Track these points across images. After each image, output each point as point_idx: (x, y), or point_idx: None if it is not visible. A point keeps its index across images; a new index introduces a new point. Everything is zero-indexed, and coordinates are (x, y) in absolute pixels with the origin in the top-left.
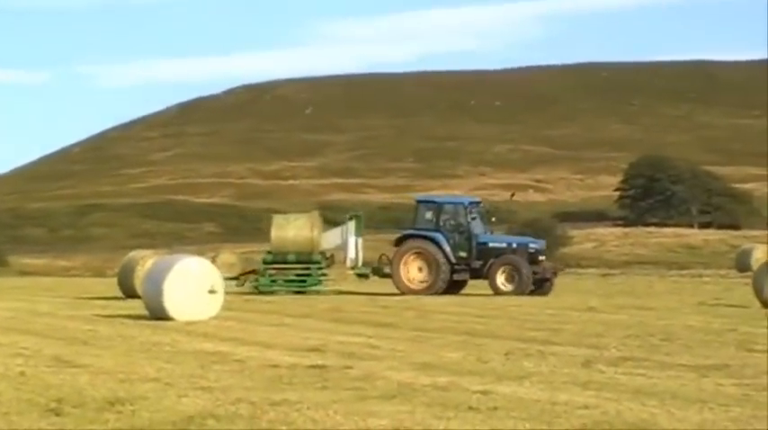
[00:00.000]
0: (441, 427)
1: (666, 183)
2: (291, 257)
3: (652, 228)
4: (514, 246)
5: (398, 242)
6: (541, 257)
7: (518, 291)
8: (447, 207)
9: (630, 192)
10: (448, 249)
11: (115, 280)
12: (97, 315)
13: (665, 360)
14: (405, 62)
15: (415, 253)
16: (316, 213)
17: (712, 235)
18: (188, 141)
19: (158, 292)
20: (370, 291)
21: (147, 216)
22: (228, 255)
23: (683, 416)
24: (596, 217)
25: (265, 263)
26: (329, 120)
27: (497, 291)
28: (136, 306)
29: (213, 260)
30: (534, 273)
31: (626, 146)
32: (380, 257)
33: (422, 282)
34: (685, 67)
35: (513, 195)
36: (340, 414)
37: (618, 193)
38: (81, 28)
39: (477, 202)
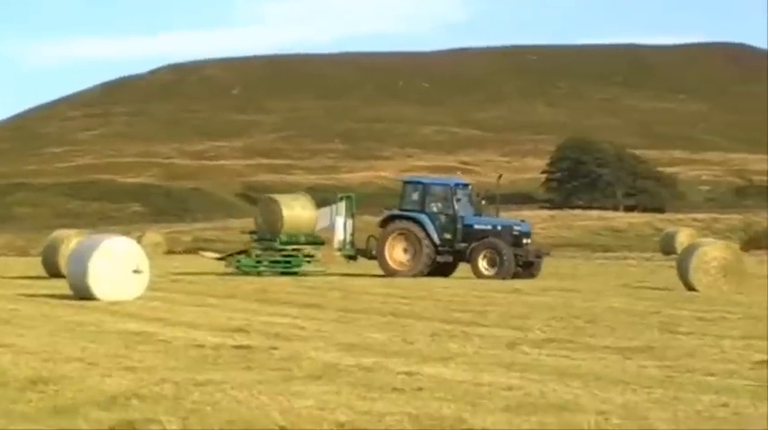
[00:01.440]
0: (365, 408)
1: (592, 165)
2: (302, 238)
3: (578, 211)
4: (499, 228)
5: (384, 223)
6: (526, 240)
7: (500, 275)
8: (433, 188)
9: (557, 175)
10: (432, 231)
11: (39, 259)
12: (20, 294)
13: (589, 341)
14: (333, 43)
15: (400, 234)
16: (307, 195)
17: (637, 218)
18: (113, 121)
19: (83, 272)
20: (356, 273)
21: (72, 196)
22: (154, 235)
23: (606, 398)
24: (523, 199)
25: (282, 243)
26: (256, 101)
27: (479, 275)
28: (60, 285)
29: (139, 240)
30: (518, 256)
31: (552, 128)
32: (369, 239)
33: (406, 263)
34: (612, 51)
35: (500, 177)
36: (265, 394)
37: (544, 176)
38: (2, 6)
39: (465, 185)
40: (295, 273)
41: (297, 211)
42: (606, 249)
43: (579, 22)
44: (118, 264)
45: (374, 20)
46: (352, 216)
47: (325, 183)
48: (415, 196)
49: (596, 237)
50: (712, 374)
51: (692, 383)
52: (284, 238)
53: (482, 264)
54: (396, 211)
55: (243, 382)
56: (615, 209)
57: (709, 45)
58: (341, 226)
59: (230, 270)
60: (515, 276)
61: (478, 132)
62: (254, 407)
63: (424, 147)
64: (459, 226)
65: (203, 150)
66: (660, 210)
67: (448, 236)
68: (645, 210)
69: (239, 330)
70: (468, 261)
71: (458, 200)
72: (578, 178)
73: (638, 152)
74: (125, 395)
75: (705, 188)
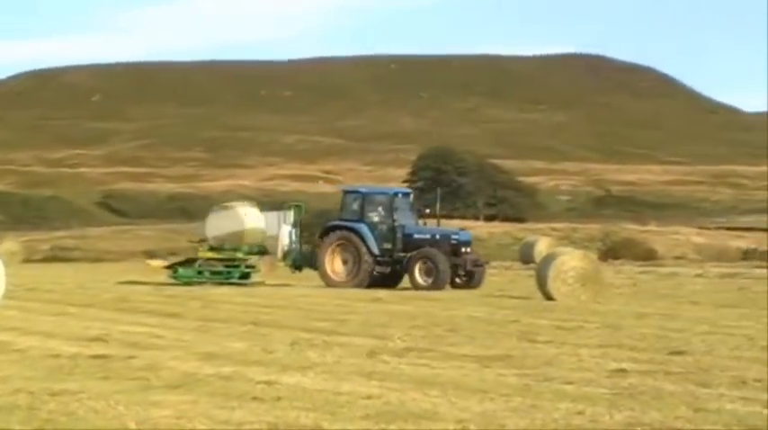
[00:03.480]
0: (224, 417)
1: (453, 175)
2: (256, 248)
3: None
4: (437, 237)
5: (324, 233)
6: (465, 249)
7: (435, 286)
8: (372, 197)
9: (418, 184)
10: (372, 241)
11: None
12: None
13: (448, 350)
14: (195, 51)
15: (339, 244)
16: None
17: (497, 227)
18: None
19: None
20: (297, 283)
21: None
22: (11, 244)
23: (464, 406)
24: None
25: (244, 253)
26: (117, 109)
27: (417, 286)
28: None
29: None
30: (456, 265)
31: (414, 138)
32: (314, 249)
33: (346, 274)
34: (474, 61)
35: (438, 191)
36: (122, 404)
37: (406, 185)
38: None
39: (407, 193)
40: (236, 283)
41: (256, 222)
42: None
43: (442, 31)
44: None
45: (237, 28)
46: (300, 225)
47: (186, 192)
48: (355, 206)
49: None
50: (570, 383)
51: (550, 391)
52: (246, 248)
53: (418, 273)
54: (336, 222)
55: (100, 392)
56: (476, 218)
57: (569, 56)
58: (287, 234)
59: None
60: (457, 287)
61: (341, 141)
62: (111, 418)
63: (287, 156)
64: (399, 235)
65: (63, 158)
66: (520, 219)
67: (388, 246)
68: (505, 219)
69: (97, 339)
70: (405, 271)
71: (398, 209)
72: (440, 187)
73: (498, 162)
74: None
75: (565, 198)
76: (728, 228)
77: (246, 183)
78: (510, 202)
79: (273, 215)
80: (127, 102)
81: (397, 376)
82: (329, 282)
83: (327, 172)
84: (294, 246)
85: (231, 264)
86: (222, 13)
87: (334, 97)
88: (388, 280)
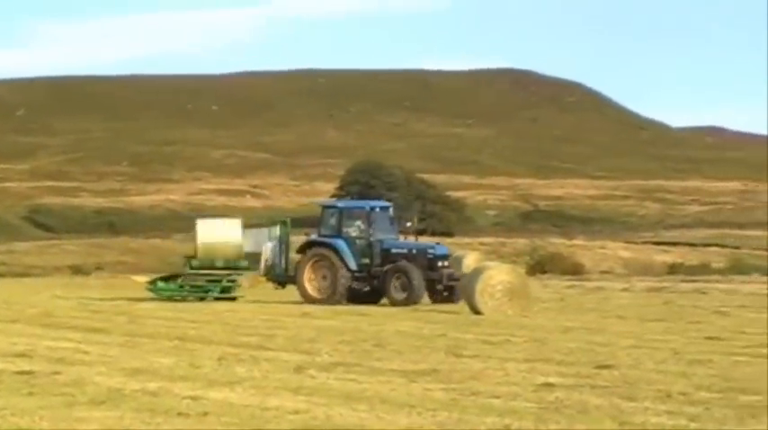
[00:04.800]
0: None
1: (382, 189)
2: (242, 263)
3: None
4: (414, 252)
5: (302, 249)
6: (442, 263)
7: (410, 301)
8: (350, 212)
9: (347, 199)
10: (349, 256)
11: None
12: None
13: (375, 365)
14: (120, 64)
15: (317, 261)
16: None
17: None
18: None
19: None
20: (279, 298)
21: None
22: None
23: (391, 420)
24: (313, 223)
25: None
26: (42, 123)
27: (392, 301)
28: None
29: None
30: (431, 280)
31: (342, 152)
32: (296, 265)
33: (324, 290)
34: (401, 76)
35: (413, 219)
36: (47, 420)
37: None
38: None
39: (386, 207)
40: (220, 298)
41: (234, 236)
42: None
43: (369, 46)
44: None
45: (163, 41)
46: (287, 241)
47: (113, 206)
48: (333, 221)
49: None
50: (496, 397)
51: (477, 406)
52: (220, 264)
53: (393, 288)
54: (313, 237)
55: (24, 408)
56: (404, 233)
57: (496, 71)
58: (270, 250)
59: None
60: (438, 301)
61: (268, 156)
62: None
63: (214, 171)
64: (377, 250)
65: None
66: (449, 234)
67: (366, 261)
68: (434, 234)
69: (22, 355)
70: (381, 287)
71: (375, 223)
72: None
73: (426, 176)
74: None
75: (492, 212)
76: (655, 243)
77: (174, 197)
78: (438, 217)
79: (259, 232)
80: (52, 116)
81: (324, 391)
82: (308, 299)
83: (255, 186)
84: (277, 261)
85: (213, 279)
86: (148, 26)
87: (262, 111)
88: (371, 296)
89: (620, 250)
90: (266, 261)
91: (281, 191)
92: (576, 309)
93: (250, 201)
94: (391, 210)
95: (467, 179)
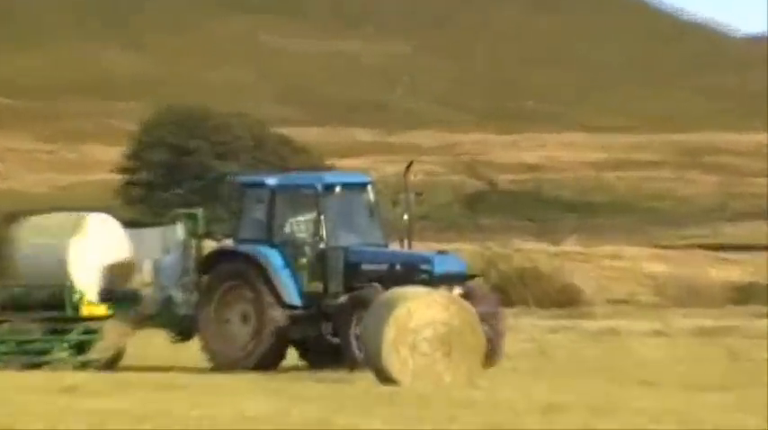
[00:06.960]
0: None
1: (209, 157)
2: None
3: None
4: (398, 268)
5: (206, 267)
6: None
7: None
8: (290, 193)
9: (143, 176)
10: (286, 279)
11: None
12: None
13: None
14: None
15: (232, 287)
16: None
17: None
18: None
19: None
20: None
21: None
22: None
23: None
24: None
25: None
26: None
27: (352, 363)
28: None
29: None
30: None
31: (134, 90)
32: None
33: (244, 343)
34: None
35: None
36: None
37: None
38: None
39: (359, 184)
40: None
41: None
42: None
43: None
44: None
45: None
46: (198, 251)
47: None
48: (258, 213)
49: None
50: None
51: None
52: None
53: (353, 338)
54: (226, 245)
55: None
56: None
57: None
58: (166, 270)
59: None
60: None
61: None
62: None
63: None
64: (339, 265)
65: None
66: None
67: (317, 286)
68: None
69: None
70: (334, 335)
71: (336, 216)
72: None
73: (289, 132)
74: None
75: (414, 195)
76: (709, 247)
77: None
78: None
79: (152, 233)
80: None
81: None
82: (218, 360)
83: None
84: (176, 291)
85: (60, 328)
86: None
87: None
88: (325, 351)
89: (645, 261)
90: (159, 290)
91: (22, 162)
92: (569, 369)
93: None
94: (371, 189)
95: (363, 135)
